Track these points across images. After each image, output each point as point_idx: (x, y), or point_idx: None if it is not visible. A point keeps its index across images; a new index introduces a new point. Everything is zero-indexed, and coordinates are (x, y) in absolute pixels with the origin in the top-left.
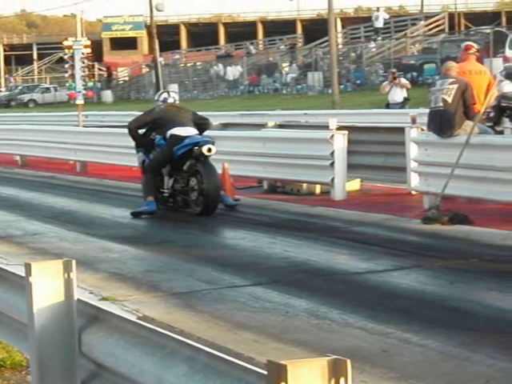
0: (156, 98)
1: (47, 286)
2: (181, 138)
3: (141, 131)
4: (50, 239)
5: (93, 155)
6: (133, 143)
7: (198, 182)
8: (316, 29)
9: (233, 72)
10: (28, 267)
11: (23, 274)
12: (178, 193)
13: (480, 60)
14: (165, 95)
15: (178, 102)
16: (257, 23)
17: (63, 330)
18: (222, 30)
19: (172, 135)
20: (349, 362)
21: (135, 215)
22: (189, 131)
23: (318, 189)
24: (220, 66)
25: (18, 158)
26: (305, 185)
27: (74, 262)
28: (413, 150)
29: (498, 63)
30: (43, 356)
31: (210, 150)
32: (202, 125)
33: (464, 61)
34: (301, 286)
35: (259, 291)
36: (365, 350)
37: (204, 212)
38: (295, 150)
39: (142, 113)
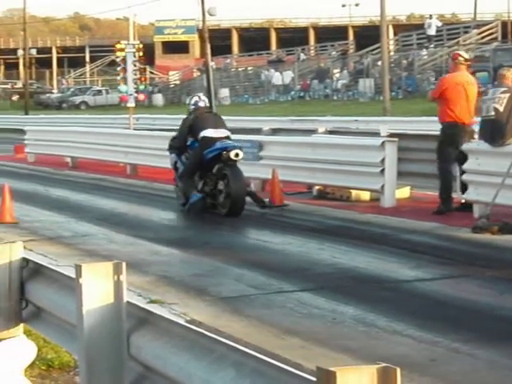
0: (187, 101)
1: (97, 288)
2: (212, 141)
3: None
4: (100, 241)
5: (143, 158)
6: None
7: (225, 185)
8: (368, 35)
9: (284, 77)
10: (78, 269)
11: (73, 276)
12: (206, 195)
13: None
14: (196, 98)
15: (208, 103)
16: (308, 29)
17: (112, 332)
18: (273, 35)
19: (204, 137)
20: (398, 370)
21: (189, 209)
22: (220, 132)
23: (367, 196)
24: (271, 71)
25: (68, 159)
26: (354, 191)
27: (124, 264)
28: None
29: None
30: (92, 357)
31: (237, 154)
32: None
33: (454, 71)
34: (349, 292)
35: (307, 297)
36: (413, 358)
37: (230, 213)
38: (345, 157)
39: (179, 127)
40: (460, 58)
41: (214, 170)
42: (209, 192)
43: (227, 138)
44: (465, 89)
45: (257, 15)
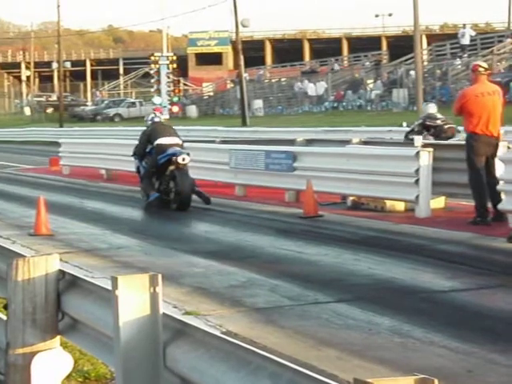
0: (145, 119)
1: (133, 300)
2: (164, 147)
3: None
4: (135, 253)
5: None
6: (213, 158)
7: (175, 184)
8: (401, 45)
9: (317, 88)
10: (115, 281)
11: (109, 287)
12: (162, 193)
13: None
14: (152, 115)
15: (162, 119)
16: (342, 39)
17: (148, 344)
18: (306, 46)
19: (158, 144)
20: (436, 381)
21: (147, 207)
22: (172, 140)
23: (402, 206)
24: (305, 81)
25: (103, 171)
26: (388, 202)
27: (160, 276)
28: (499, 168)
29: None
30: (128, 369)
31: (184, 159)
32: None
33: (475, 82)
34: (384, 303)
35: (342, 308)
36: (449, 369)
37: (179, 209)
38: (380, 167)
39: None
40: (480, 69)
41: (167, 172)
42: (163, 190)
43: (179, 145)
44: (486, 99)
45: (290, 26)
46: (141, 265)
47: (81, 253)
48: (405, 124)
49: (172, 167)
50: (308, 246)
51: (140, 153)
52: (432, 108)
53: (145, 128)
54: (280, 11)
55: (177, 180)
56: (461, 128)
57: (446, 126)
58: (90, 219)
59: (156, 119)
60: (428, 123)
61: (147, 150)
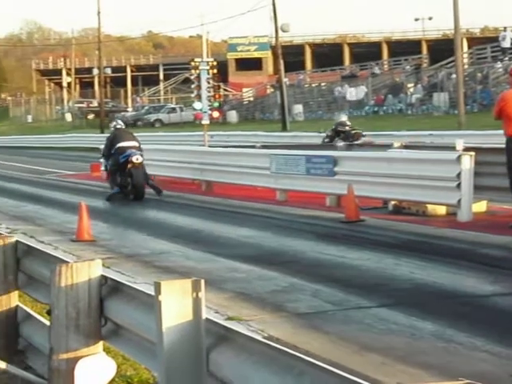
0: (110, 125)
1: (176, 305)
2: (124, 149)
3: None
4: (176, 258)
5: (218, 175)
6: (253, 163)
7: (131, 179)
8: (441, 49)
9: (357, 92)
10: (157, 286)
11: (152, 293)
12: (122, 187)
13: None
14: (114, 123)
15: (123, 126)
16: (382, 43)
17: (191, 349)
18: (346, 51)
19: (118, 147)
20: None
21: (109, 199)
22: (131, 143)
23: (443, 210)
24: (345, 86)
25: None
26: (430, 206)
27: (202, 281)
28: None
29: None
30: (171, 374)
31: (137, 159)
32: (138, 140)
33: None
34: (426, 308)
35: (385, 313)
36: (493, 374)
37: (135, 198)
38: (421, 171)
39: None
40: None
41: (126, 170)
42: (123, 184)
43: (136, 147)
44: None
45: (329, 30)
46: (182, 270)
47: (122, 258)
48: (322, 130)
49: (130, 165)
50: (349, 250)
51: (106, 154)
52: (343, 117)
53: (108, 136)
54: (320, 15)
55: (133, 176)
56: (366, 133)
57: (352, 132)
58: (132, 225)
59: (118, 126)
60: (339, 129)
61: (112, 151)
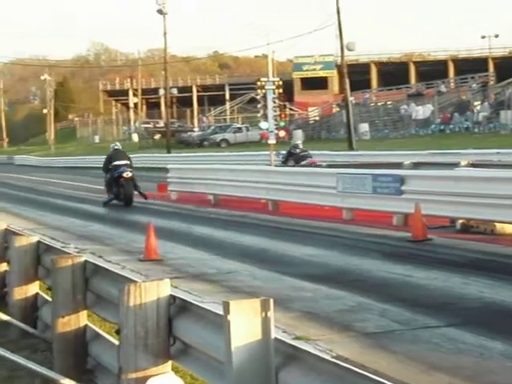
0: (110, 146)
1: (245, 325)
2: (118, 166)
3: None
4: (243, 277)
5: (284, 194)
6: (320, 183)
7: (123, 190)
8: (508, 66)
9: (424, 111)
10: (226, 305)
11: (220, 312)
12: (116, 196)
13: None
14: (113, 145)
15: (120, 146)
16: (448, 61)
17: (260, 369)
18: (412, 69)
19: (114, 164)
20: None
21: (105, 204)
22: (123, 161)
23: None
24: (411, 104)
25: (211, 197)
26: (498, 224)
27: (271, 300)
28: None
29: None
30: None
31: (127, 174)
32: (130, 159)
33: None
34: (495, 327)
35: (453, 332)
36: None
37: (126, 205)
38: (489, 190)
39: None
40: None
41: (119, 182)
42: (116, 194)
43: (127, 165)
44: None
45: (395, 49)
46: (249, 289)
47: (189, 278)
48: (280, 152)
49: (122, 179)
50: (417, 269)
51: (105, 169)
52: (298, 141)
53: (107, 155)
54: (385, 33)
55: (124, 187)
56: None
57: (301, 154)
58: (198, 244)
59: (116, 147)
60: (292, 151)
61: (110, 167)
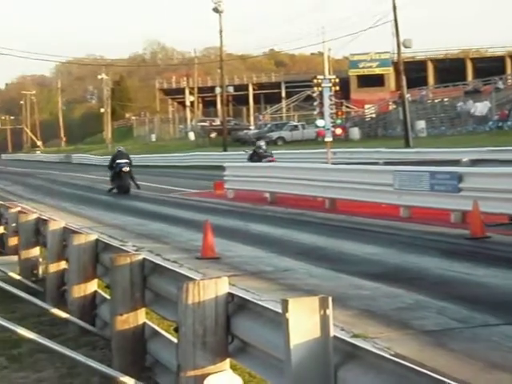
0: (115, 149)
1: (304, 323)
2: (120, 164)
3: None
4: (300, 275)
5: (341, 192)
6: (377, 180)
7: (122, 181)
8: None
9: (481, 108)
10: (285, 303)
11: (279, 310)
12: (118, 186)
13: None
14: (117, 148)
15: (123, 149)
16: (505, 58)
17: (319, 367)
18: (469, 65)
19: (117, 162)
20: None
21: (109, 191)
22: (123, 160)
23: None
24: (468, 101)
25: (267, 195)
26: None
27: (330, 298)
28: None
29: None
30: None
31: (126, 169)
32: (129, 158)
33: None
34: None
35: None
36: None
37: (125, 193)
38: None
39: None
40: None
41: (120, 175)
42: (118, 184)
43: (127, 162)
44: None
45: (452, 45)
46: (306, 287)
47: (247, 275)
48: (247, 150)
49: (122, 173)
50: (475, 267)
51: (110, 166)
52: (261, 142)
53: (112, 154)
54: (442, 30)
55: (122, 179)
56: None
57: (263, 154)
58: (255, 242)
59: (119, 149)
60: (255, 151)
61: (113, 165)
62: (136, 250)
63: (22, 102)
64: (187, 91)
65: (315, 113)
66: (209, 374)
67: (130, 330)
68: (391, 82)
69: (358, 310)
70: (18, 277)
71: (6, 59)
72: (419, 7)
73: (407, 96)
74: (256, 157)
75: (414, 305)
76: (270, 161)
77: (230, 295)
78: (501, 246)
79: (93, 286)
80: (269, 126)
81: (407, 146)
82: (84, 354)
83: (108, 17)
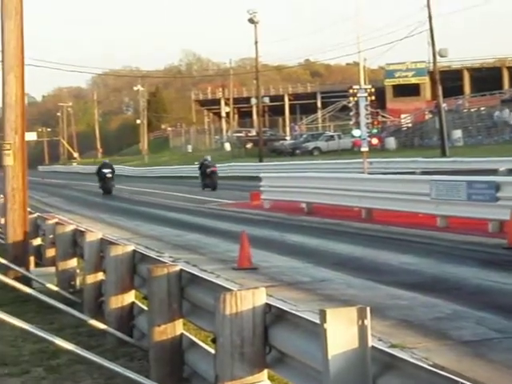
0: (102, 162)
1: (342, 333)
2: (104, 172)
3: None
4: (337, 286)
5: (378, 202)
6: (414, 190)
7: (105, 184)
8: None
9: None
10: (323, 314)
11: (317, 321)
12: (103, 188)
13: None
14: (104, 160)
15: (107, 161)
16: None
17: (357, 377)
18: (505, 74)
19: (102, 171)
20: None
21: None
22: (107, 170)
23: None
24: (505, 110)
25: (303, 205)
26: None
27: (368, 309)
28: None
29: None
30: None
31: (108, 176)
32: (113, 168)
33: None
34: None
35: None
36: None
37: (106, 193)
38: None
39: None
40: None
41: (104, 180)
42: (102, 187)
43: (110, 171)
44: None
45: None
46: (344, 298)
47: (284, 286)
48: (196, 162)
49: (106, 178)
50: (509, 277)
51: (97, 173)
52: (208, 157)
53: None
54: (478, 39)
55: (106, 183)
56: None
57: (208, 164)
58: (292, 252)
59: (104, 161)
60: (203, 162)
61: (99, 173)
62: (173, 261)
63: (58, 114)
64: (223, 102)
65: (351, 123)
66: None
67: (168, 340)
68: (427, 92)
69: (396, 320)
70: (55, 288)
71: (43, 71)
72: (455, 16)
73: (443, 105)
74: (203, 168)
75: (452, 315)
76: (214, 171)
77: (268, 306)
78: None
79: (130, 296)
80: (304, 136)
81: (444, 155)
82: (122, 365)
83: (144, 29)
